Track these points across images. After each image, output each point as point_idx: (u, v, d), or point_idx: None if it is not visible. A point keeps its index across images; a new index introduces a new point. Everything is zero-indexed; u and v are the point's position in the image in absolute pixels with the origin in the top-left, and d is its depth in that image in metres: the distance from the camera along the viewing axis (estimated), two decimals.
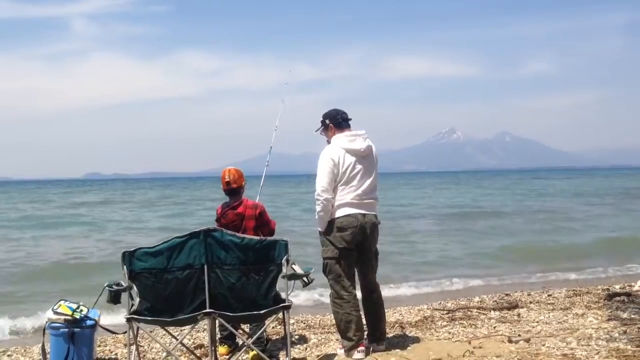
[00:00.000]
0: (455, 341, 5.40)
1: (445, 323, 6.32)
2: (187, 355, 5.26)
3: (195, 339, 5.93)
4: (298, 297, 7.95)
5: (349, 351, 4.94)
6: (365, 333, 5.15)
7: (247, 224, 5.23)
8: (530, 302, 7.36)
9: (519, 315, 6.57)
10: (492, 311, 6.84)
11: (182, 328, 5.67)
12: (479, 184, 63.84)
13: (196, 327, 5.27)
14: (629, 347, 4.55)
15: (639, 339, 4.82)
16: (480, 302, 7.63)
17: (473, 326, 6.08)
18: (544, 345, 4.94)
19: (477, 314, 6.75)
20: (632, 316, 6.05)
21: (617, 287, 8.21)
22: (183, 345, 5.20)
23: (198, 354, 5.23)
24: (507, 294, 8.11)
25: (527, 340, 5.16)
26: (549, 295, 7.85)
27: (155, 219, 26.22)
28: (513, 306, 7.07)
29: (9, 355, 5.70)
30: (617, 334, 5.15)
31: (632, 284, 8.39)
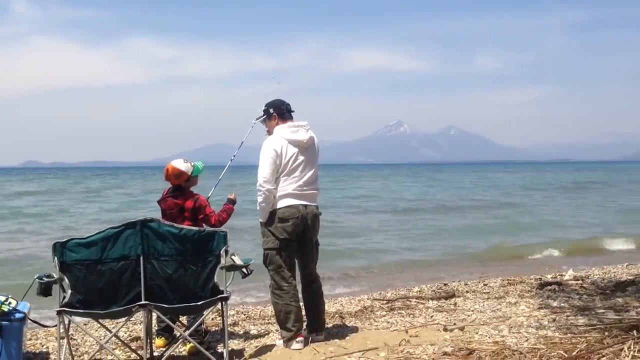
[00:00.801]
0: (393, 330, 5.48)
1: (384, 313, 6.42)
2: (121, 348, 5.15)
3: (131, 331, 5.81)
4: (238, 288, 7.91)
5: (287, 342, 4.95)
6: (305, 324, 5.17)
7: (185, 215, 5.15)
8: (467, 292, 7.57)
9: (455, 304, 6.74)
10: (430, 301, 6.99)
11: (117, 321, 5.55)
12: (434, 177, 64.80)
13: (132, 319, 5.16)
14: (556, 334, 4.73)
15: (567, 326, 5.01)
16: (419, 292, 7.79)
17: (411, 315, 6.20)
18: (477, 333, 5.08)
19: (415, 303, 6.89)
20: (562, 305, 6.29)
21: (549, 277, 8.52)
22: (117, 338, 5.09)
23: (133, 347, 5.12)
24: (445, 284, 8.31)
25: (462, 329, 5.30)
26: (484, 285, 8.08)
27: (98, 210, 25.44)
28: (450, 295, 7.25)
29: None
30: (546, 322, 5.34)
31: (563, 273, 8.73)
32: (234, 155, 5.77)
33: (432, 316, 6.12)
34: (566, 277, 8.26)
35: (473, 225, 18.58)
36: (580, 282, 7.81)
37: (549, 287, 7.44)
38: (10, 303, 4.58)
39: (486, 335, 4.94)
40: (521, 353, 3.97)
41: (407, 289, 8.14)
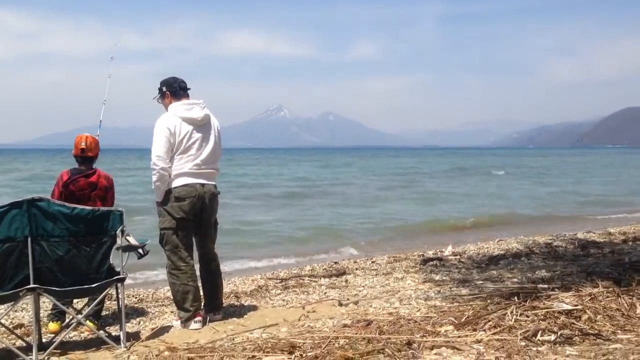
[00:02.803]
0: (290, 307, 5.60)
1: (279, 291, 6.51)
2: (5, 335, 4.82)
3: (13, 318, 5.44)
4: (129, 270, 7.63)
5: (185, 322, 4.90)
6: (202, 304, 5.13)
7: (97, 193, 4.94)
8: (356, 269, 7.85)
9: (346, 281, 6.98)
10: (322, 278, 7.18)
11: None
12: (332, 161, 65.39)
13: (14, 306, 4.83)
14: (444, 304, 5.07)
15: (452, 297, 5.38)
16: (312, 270, 7.96)
17: (305, 293, 6.34)
18: (371, 306, 5.32)
19: (308, 281, 7.04)
20: (444, 278, 6.72)
21: (430, 253, 9.05)
22: (2, 325, 4.75)
23: (19, 334, 4.81)
24: (335, 262, 8.57)
25: (356, 303, 5.52)
26: (372, 262, 8.43)
27: None
28: (341, 273, 7.48)
29: None
30: (432, 294, 5.70)
31: (443, 250, 9.30)
32: (98, 135, 5.48)
33: (325, 293, 6.29)
34: (446, 253, 8.81)
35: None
36: (458, 257, 8.37)
37: (431, 263, 7.91)
38: None
39: (380, 308, 5.19)
40: (416, 321, 4.22)
41: (300, 267, 8.29)
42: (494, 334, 3.71)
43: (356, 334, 4.00)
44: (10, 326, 5.05)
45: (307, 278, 7.25)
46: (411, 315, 4.62)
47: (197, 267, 5.11)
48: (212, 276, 5.18)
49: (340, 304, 5.53)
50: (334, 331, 4.20)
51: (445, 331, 3.91)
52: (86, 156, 5.02)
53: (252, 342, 4.15)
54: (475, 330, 3.84)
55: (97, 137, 5.18)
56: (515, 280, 6.08)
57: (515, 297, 4.59)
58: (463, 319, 4.10)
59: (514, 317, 3.91)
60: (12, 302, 4.34)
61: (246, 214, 17.06)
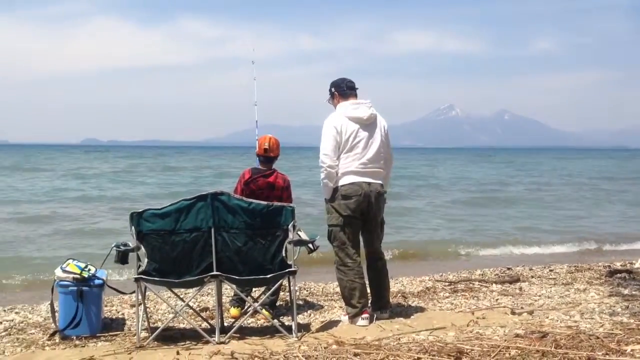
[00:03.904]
0: (458, 312, 5.43)
1: (447, 294, 6.36)
2: (192, 317, 5.30)
3: (199, 302, 5.97)
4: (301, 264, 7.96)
5: (353, 318, 4.98)
6: (369, 301, 5.18)
7: (275, 193, 5.26)
8: (532, 277, 7.41)
9: (520, 289, 6.61)
10: (493, 284, 6.88)
11: (187, 291, 5.70)
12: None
13: (200, 291, 5.29)
14: (632, 320, 4.58)
15: None
16: (482, 275, 7.67)
17: (475, 298, 6.12)
18: (547, 317, 4.97)
19: (479, 286, 6.79)
20: (634, 292, 6.08)
21: (618, 264, 8.25)
22: (190, 307, 5.23)
23: (204, 317, 5.26)
24: (508, 268, 8.14)
25: (530, 313, 5.20)
26: (550, 271, 7.89)
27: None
28: (515, 280, 7.11)
29: (17, 313, 5.73)
30: (619, 309, 5.19)
31: (633, 261, 8.42)
32: (257, 135, 5.71)
33: (497, 299, 6.03)
34: (637, 266, 7.97)
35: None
36: None
37: (619, 275, 7.20)
38: (89, 270, 4.78)
39: (557, 320, 4.83)
40: (597, 338, 3.86)
41: (469, 271, 8.02)
42: None
43: (529, 345, 3.76)
44: (197, 309, 5.54)
45: (477, 283, 6.99)
46: (593, 330, 4.24)
47: (364, 265, 5.17)
48: (379, 274, 5.21)
49: (513, 313, 5.24)
50: (505, 340, 4.00)
51: (632, 350, 3.52)
52: (268, 156, 5.35)
53: (418, 344, 4.10)
54: None
55: (278, 140, 5.45)
56: None
57: None
58: None
59: None
60: (198, 287, 4.76)
61: (425, 214, 16.87)
